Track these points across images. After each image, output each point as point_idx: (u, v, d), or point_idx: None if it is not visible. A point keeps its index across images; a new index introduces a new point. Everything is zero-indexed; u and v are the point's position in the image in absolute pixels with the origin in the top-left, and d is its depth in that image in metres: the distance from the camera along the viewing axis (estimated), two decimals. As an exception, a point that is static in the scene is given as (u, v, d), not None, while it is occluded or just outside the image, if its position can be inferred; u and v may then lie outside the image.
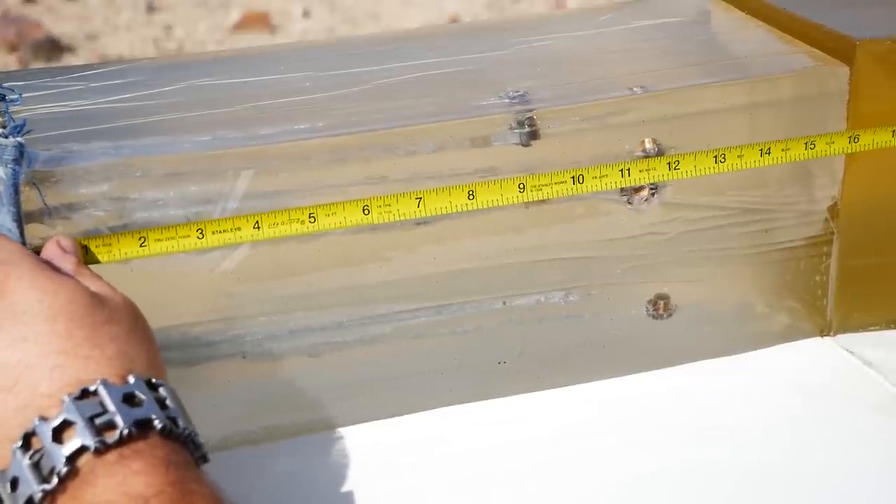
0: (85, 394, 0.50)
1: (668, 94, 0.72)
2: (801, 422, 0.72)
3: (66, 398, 0.49)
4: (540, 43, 0.80)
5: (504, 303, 0.73)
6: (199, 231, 0.62)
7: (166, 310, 0.66)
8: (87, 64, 0.79)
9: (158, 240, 0.62)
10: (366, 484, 0.66)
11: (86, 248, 0.61)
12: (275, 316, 0.69)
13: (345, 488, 0.66)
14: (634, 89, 0.72)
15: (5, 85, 0.69)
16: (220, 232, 0.63)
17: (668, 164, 0.69)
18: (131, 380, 0.51)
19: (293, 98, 0.71)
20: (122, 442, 0.49)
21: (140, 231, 0.62)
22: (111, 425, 0.49)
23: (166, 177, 0.64)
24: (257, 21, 2.95)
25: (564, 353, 0.75)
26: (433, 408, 0.73)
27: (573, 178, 0.67)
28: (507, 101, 0.70)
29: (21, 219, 0.60)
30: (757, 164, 0.71)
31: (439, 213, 0.66)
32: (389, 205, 0.65)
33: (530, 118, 0.70)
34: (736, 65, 0.77)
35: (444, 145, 0.69)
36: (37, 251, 0.59)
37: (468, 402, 0.73)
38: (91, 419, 0.49)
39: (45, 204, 0.62)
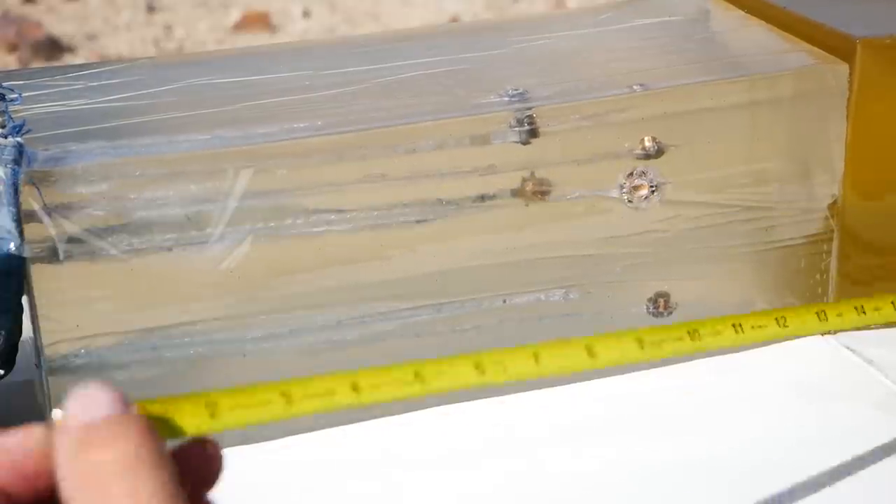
0: None
1: (667, 92, 0.72)
2: (802, 420, 0.72)
3: None
4: (540, 42, 0.80)
5: (504, 301, 0.73)
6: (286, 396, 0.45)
7: (167, 309, 0.66)
8: (86, 63, 0.79)
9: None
10: (365, 483, 0.66)
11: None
12: (275, 315, 0.69)
13: (344, 487, 0.66)
14: (634, 87, 0.72)
15: (5, 85, 0.69)
16: (311, 397, 0.46)
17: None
18: None
19: (293, 97, 0.71)
20: None
21: (208, 393, 0.46)
22: None
23: (165, 176, 0.64)
24: (257, 21, 2.95)
25: (565, 351, 0.75)
26: (432, 407, 0.73)
27: (689, 332, 0.56)
28: (506, 99, 0.70)
29: (20, 219, 0.60)
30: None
31: (558, 372, 0.54)
32: (504, 362, 0.54)
33: (530, 116, 0.69)
34: (736, 63, 0.77)
35: (444, 143, 0.69)
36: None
37: (467, 401, 0.73)
38: None
39: (45, 204, 0.62)
